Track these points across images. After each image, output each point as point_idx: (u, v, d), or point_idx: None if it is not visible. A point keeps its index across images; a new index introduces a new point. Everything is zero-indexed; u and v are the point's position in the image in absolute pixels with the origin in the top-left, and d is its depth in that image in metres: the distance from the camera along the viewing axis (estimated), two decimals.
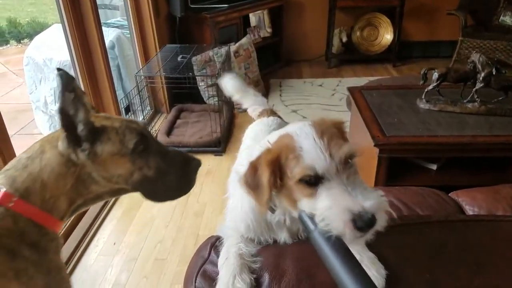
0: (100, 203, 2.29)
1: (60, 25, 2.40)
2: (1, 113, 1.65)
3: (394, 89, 2.40)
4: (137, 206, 2.34)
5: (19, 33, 5.39)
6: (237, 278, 0.70)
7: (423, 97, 2.09)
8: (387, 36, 4.62)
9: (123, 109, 2.70)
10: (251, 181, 0.74)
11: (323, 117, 0.79)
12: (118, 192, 0.98)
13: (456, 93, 2.08)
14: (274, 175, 0.71)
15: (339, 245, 0.62)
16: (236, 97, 1.62)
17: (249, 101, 1.59)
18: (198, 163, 1.02)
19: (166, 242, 2.06)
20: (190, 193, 2.62)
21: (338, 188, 0.65)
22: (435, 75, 2.02)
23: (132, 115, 2.82)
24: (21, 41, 5.29)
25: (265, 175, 0.71)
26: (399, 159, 1.99)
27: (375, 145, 1.81)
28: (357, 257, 0.66)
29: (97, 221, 2.22)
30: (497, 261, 0.61)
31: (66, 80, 0.84)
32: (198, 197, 2.41)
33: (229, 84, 1.61)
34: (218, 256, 0.75)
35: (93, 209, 2.27)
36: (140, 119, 2.99)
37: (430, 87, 2.05)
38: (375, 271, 0.65)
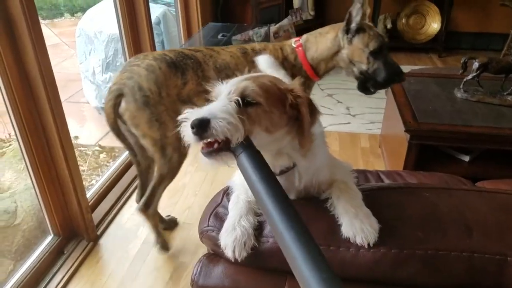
0: None
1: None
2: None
3: (433, 77, 2.36)
4: None
5: (73, 6, 5.64)
6: (243, 217, 0.78)
7: (461, 86, 2.05)
8: (434, 25, 4.47)
9: None
10: None
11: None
12: (350, 71, 1.64)
13: (497, 86, 2.02)
14: None
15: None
16: (268, 72, 1.70)
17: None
18: (402, 79, 1.70)
19: (194, 209, 2.17)
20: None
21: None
22: (476, 64, 1.97)
23: None
24: (75, 15, 5.54)
25: None
26: (430, 147, 1.97)
27: (405, 131, 1.81)
28: (353, 211, 0.71)
29: (132, 185, 2.36)
30: (488, 226, 0.63)
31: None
32: (227, 168, 2.49)
33: (264, 61, 1.69)
34: (229, 201, 0.82)
35: (130, 174, 2.41)
36: None
37: (469, 76, 2.01)
38: (368, 225, 0.68)
